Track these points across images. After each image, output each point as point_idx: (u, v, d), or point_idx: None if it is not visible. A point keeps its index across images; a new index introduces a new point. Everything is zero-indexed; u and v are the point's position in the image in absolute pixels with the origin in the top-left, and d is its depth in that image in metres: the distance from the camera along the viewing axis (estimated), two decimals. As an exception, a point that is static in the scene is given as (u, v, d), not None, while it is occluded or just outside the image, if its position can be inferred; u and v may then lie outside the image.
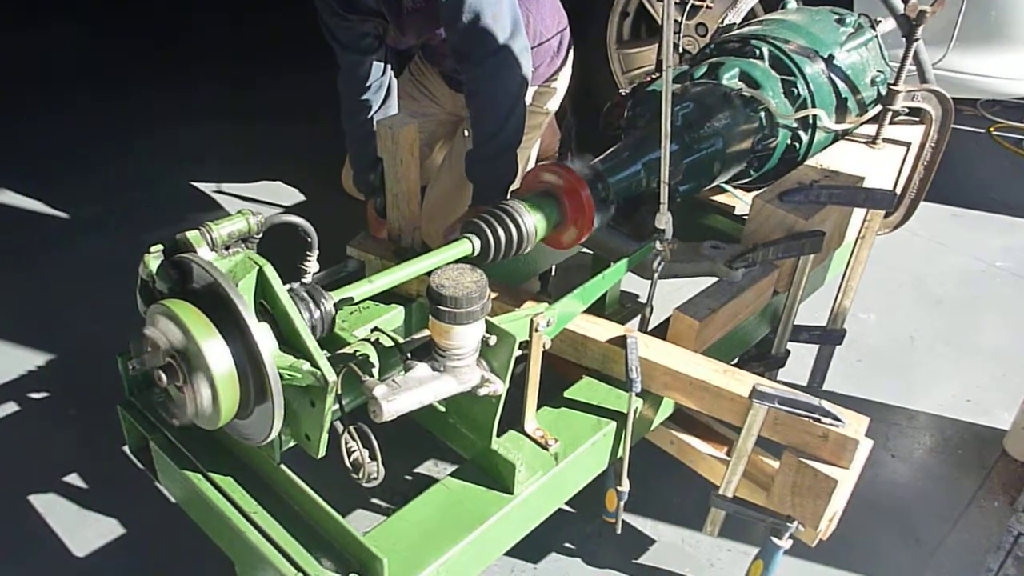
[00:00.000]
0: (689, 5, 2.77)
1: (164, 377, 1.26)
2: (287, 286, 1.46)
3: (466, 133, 2.71)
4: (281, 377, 1.26)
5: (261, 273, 1.27)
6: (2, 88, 4.24)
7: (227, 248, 1.33)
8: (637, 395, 1.61)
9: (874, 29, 2.25)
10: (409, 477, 2.23)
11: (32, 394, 2.46)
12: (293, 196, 3.48)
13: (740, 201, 2.65)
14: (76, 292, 2.88)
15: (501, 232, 1.64)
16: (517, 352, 1.41)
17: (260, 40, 4.89)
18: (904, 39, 2.01)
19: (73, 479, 2.20)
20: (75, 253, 3.10)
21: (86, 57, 4.62)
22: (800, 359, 2.24)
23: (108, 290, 2.73)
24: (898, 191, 2.24)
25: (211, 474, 1.51)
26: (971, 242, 3.33)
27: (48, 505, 2.14)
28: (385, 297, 1.82)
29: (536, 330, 1.48)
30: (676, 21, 2.45)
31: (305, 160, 3.68)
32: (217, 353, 1.22)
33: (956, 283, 3.11)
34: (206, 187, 3.50)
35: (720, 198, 2.37)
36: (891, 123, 2.09)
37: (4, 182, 3.49)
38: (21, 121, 3.94)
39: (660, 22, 3.36)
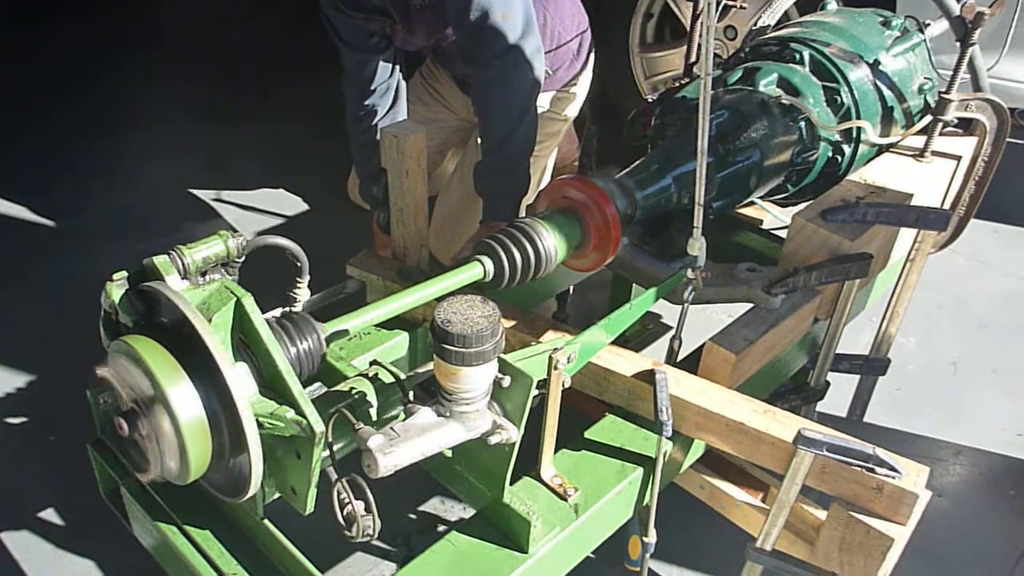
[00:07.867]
0: (721, 6, 2.59)
1: (125, 425, 1.09)
2: (273, 313, 1.30)
3: (479, 141, 2.55)
4: (261, 426, 1.09)
5: (239, 305, 1.10)
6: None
7: (203, 275, 1.17)
8: (667, 438, 1.43)
9: (922, 32, 2.09)
10: (413, 516, 2.06)
11: (9, 418, 2.31)
12: (296, 205, 3.31)
13: (769, 214, 2.48)
14: (63, 307, 2.72)
15: (517, 254, 1.47)
16: (534, 392, 1.23)
17: (262, 40, 4.72)
18: (958, 44, 1.86)
19: (49, 515, 2.04)
20: (64, 265, 2.95)
21: (77, 59, 4.45)
22: (836, 388, 2.05)
23: (97, 306, 2.57)
24: (946, 208, 2.07)
25: (187, 527, 1.36)
26: (1013, 260, 3.15)
27: (20, 543, 1.98)
28: (388, 322, 1.66)
29: (555, 368, 1.31)
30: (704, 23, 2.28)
31: (310, 166, 3.52)
32: (184, 399, 1.05)
33: (999, 304, 2.92)
34: (204, 194, 3.33)
35: (747, 210, 2.19)
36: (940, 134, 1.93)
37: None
38: (6, 127, 3.77)
39: (686, 24, 3.19)
